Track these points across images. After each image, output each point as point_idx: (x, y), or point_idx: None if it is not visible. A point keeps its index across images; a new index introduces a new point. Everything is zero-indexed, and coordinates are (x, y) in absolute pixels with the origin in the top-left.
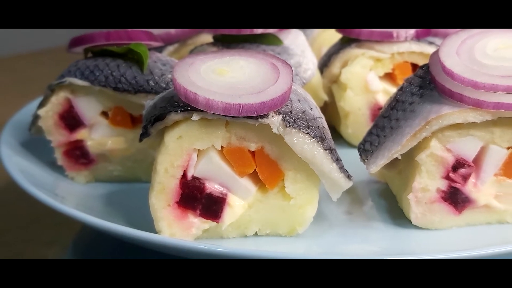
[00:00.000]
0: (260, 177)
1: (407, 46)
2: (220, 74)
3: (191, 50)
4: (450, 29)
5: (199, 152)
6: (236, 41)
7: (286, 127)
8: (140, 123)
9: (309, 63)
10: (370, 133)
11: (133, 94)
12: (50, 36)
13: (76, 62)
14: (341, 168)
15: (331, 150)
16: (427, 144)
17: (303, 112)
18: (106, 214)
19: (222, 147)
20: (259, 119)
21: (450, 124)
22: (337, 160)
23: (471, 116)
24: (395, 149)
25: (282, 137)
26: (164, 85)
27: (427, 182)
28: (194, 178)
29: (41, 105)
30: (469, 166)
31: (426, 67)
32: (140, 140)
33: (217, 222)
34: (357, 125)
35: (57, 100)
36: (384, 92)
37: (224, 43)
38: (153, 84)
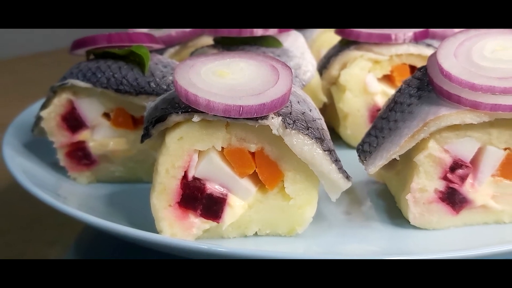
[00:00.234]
0: (260, 177)
1: (405, 48)
2: (220, 76)
3: (192, 52)
4: (448, 31)
5: (200, 153)
6: (236, 43)
7: (286, 128)
8: (142, 125)
9: (308, 65)
10: (368, 134)
11: (134, 95)
12: (52, 38)
13: (78, 64)
14: (340, 169)
15: (330, 151)
16: (425, 145)
17: (303, 114)
18: (107, 214)
19: (222, 148)
20: (259, 121)
21: (448, 125)
22: (336, 161)
23: (469, 117)
24: (393, 150)
25: (281, 138)
26: (165, 87)
27: (425, 182)
28: (194, 178)
29: (44, 106)
30: (467, 166)
31: (424, 69)
32: (142, 141)
33: (218, 222)
34: (356, 126)
35: (59, 102)
36: (382, 94)
37: (225, 45)
38: (154, 86)
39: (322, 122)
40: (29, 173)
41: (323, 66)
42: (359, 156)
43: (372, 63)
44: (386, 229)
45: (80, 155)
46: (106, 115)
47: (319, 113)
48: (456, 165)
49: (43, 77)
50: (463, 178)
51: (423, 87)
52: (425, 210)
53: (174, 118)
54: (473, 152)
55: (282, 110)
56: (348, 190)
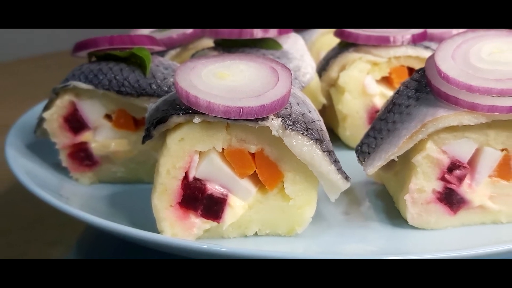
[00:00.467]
0: (260, 178)
1: (403, 51)
2: (221, 77)
3: (193, 54)
4: (446, 33)
5: (201, 154)
6: (236, 46)
7: (286, 129)
8: (143, 126)
9: (307, 67)
10: (367, 135)
11: (136, 97)
12: (55, 41)
13: (80, 66)
14: (339, 170)
15: (329, 152)
16: (423, 146)
17: (302, 115)
18: (109, 214)
19: (223, 149)
20: (259, 122)
21: (446, 126)
22: (335, 161)
23: (466, 118)
24: (391, 151)
25: (281, 139)
26: (166, 89)
27: (423, 183)
28: (195, 179)
29: (46, 108)
30: (464, 167)
31: (422, 71)
32: (143, 142)
33: (218, 222)
34: (355, 127)
35: (61, 103)
36: (381, 96)
37: (225, 47)
38: (155, 88)
39: (321, 124)
40: (31, 173)
41: (322, 68)
42: (358, 157)
43: (371, 65)
44: (385, 229)
45: (82, 156)
46: (107, 116)
47: (318, 114)
48: (453, 166)
49: (45, 79)
50: (460, 179)
51: (421, 88)
52: (423, 211)
53: (175, 119)
54: (470, 153)
55: (282, 112)
56: (347, 191)
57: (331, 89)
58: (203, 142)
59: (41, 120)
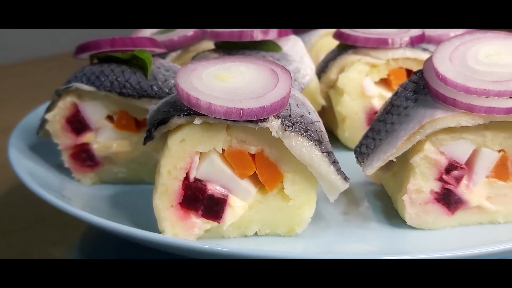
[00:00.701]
0: (260, 179)
1: (401, 53)
2: (221, 79)
3: (194, 56)
4: (444, 36)
5: (201, 154)
6: (236, 48)
7: (285, 130)
8: (144, 127)
9: (307, 69)
10: (366, 136)
11: (137, 99)
12: (57, 43)
13: (82, 68)
14: (338, 170)
15: (328, 153)
16: (421, 147)
17: (302, 116)
18: (111, 214)
19: (223, 150)
20: (259, 123)
21: (443, 127)
22: (334, 162)
23: (464, 120)
24: (390, 152)
25: (281, 140)
26: (167, 90)
27: (421, 183)
28: (196, 180)
29: (49, 109)
30: (462, 168)
31: (420, 72)
32: (144, 143)
33: (219, 223)
34: (354, 128)
35: (64, 105)
36: (379, 97)
37: (225, 49)
38: (156, 89)
39: (320, 125)
40: (34, 174)
41: (322, 70)
42: (356, 158)
43: (370, 67)
44: (383, 229)
45: (84, 156)
46: (109, 117)
47: (318, 115)
48: (451, 167)
49: (48, 81)
50: (458, 180)
51: (419, 90)
52: (421, 211)
53: (176, 120)
54: (468, 154)
55: (282, 113)
56: (346, 191)
57: (330, 90)
58: (203, 143)
59: (43, 121)
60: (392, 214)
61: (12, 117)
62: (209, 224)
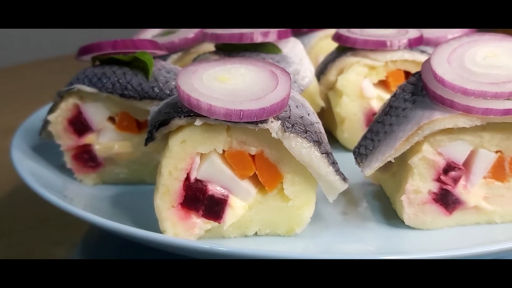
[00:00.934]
0: (260, 179)
1: (400, 55)
2: (221, 81)
3: (194, 58)
4: (441, 38)
5: (202, 155)
6: (237, 50)
7: (285, 131)
8: (146, 128)
9: (306, 71)
10: (365, 137)
11: (138, 100)
12: (59, 45)
13: (84, 70)
14: (337, 171)
15: (327, 154)
16: (419, 148)
17: (301, 118)
18: (112, 215)
19: (223, 151)
20: (259, 124)
21: (441, 129)
22: (333, 163)
23: (461, 121)
24: (388, 153)
25: (281, 141)
26: (168, 92)
27: (419, 184)
28: (197, 180)
29: (51, 111)
30: (459, 169)
31: (418, 74)
32: (146, 144)
33: (219, 223)
34: (353, 130)
35: (66, 106)
36: (378, 99)
37: (226, 51)
38: (157, 91)
39: (319, 126)
40: (36, 175)
41: (321, 71)
42: (355, 158)
43: (368, 69)
44: (382, 229)
45: (86, 157)
46: (111, 119)
47: (317, 117)
48: (449, 167)
49: (50, 83)
50: (456, 180)
51: (417, 92)
52: (419, 211)
53: (177, 122)
54: (465, 154)
55: (281, 114)
56: (345, 192)
57: (329, 92)
58: (204, 144)
59: (46, 122)
60: (390, 214)
61: (14, 119)
62: (209, 224)
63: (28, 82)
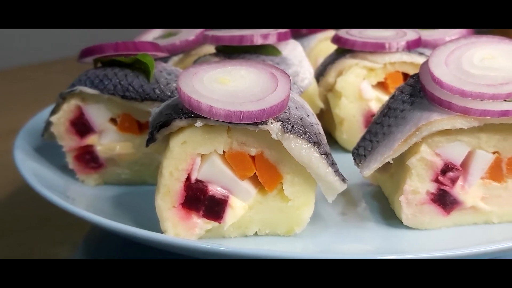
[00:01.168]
0: (260, 180)
1: (398, 57)
2: (222, 83)
3: (195, 60)
4: (439, 40)
5: (202, 156)
6: (237, 52)
7: (285, 133)
8: (147, 129)
9: (306, 73)
10: (363, 138)
11: (140, 101)
12: (61, 47)
13: (86, 71)
14: (336, 172)
15: (326, 155)
16: (417, 149)
17: (301, 119)
18: (114, 215)
19: (224, 151)
20: (259, 126)
21: (439, 130)
22: (333, 164)
23: (459, 122)
24: (387, 154)
25: (280, 142)
26: (169, 93)
27: (418, 185)
28: (197, 181)
29: (53, 112)
30: (457, 169)
31: (416, 76)
32: (147, 145)
33: (219, 223)
34: (352, 131)
35: (68, 108)
36: (376, 100)
37: (226, 53)
38: (159, 93)
39: (319, 127)
40: (39, 175)
41: (320, 73)
42: (354, 159)
43: (367, 70)
44: (380, 229)
45: (88, 158)
46: (113, 120)
47: (316, 118)
48: (447, 168)
49: (52, 84)
50: (453, 181)
51: (416, 93)
52: (418, 211)
53: (178, 123)
54: (463, 155)
55: (281, 116)
56: (344, 192)
57: (328, 94)
58: (205, 145)
59: (48, 124)
60: (389, 215)
61: (17, 120)
62: (210, 224)
63: (31, 84)
